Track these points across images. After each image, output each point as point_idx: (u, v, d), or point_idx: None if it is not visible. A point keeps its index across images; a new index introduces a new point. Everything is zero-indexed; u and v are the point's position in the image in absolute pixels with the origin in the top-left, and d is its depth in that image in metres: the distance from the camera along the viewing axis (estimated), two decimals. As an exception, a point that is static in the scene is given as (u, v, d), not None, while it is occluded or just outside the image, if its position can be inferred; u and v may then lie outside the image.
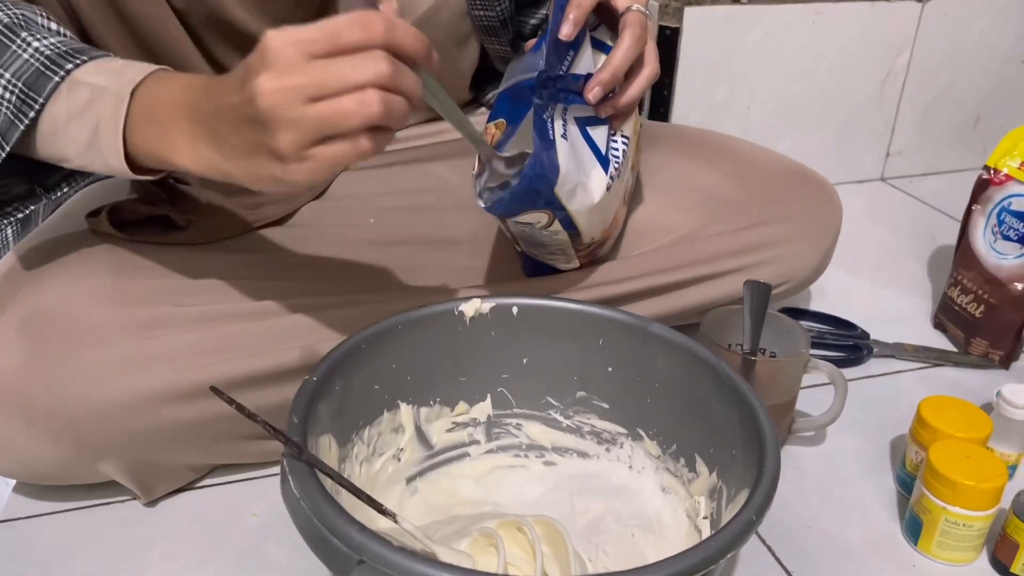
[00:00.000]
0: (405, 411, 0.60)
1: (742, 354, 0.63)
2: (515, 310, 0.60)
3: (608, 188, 0.61)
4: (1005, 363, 0.81)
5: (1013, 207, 0.80)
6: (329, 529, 0.41)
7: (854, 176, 1.23)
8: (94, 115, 0.48)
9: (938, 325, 0.88)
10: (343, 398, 0.53)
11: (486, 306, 0.59)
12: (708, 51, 1.06)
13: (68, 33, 0.52)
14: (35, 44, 0.49)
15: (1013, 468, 0.66)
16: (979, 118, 1.25)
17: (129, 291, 0.58)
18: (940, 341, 0.86)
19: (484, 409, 0.63)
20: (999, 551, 0.58)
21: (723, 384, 0.54)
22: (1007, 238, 0.80)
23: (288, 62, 0.41)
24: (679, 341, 0.57)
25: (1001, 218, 0.81)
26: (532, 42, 0.63)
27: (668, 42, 1.04)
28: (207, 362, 0.57)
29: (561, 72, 0.58)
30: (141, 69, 0.49)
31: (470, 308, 0.59)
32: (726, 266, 0.70)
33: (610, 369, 0.61)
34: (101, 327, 0.55)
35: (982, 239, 0.83)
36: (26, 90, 0.48)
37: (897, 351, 0.82)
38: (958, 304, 0.84)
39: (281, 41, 0.41)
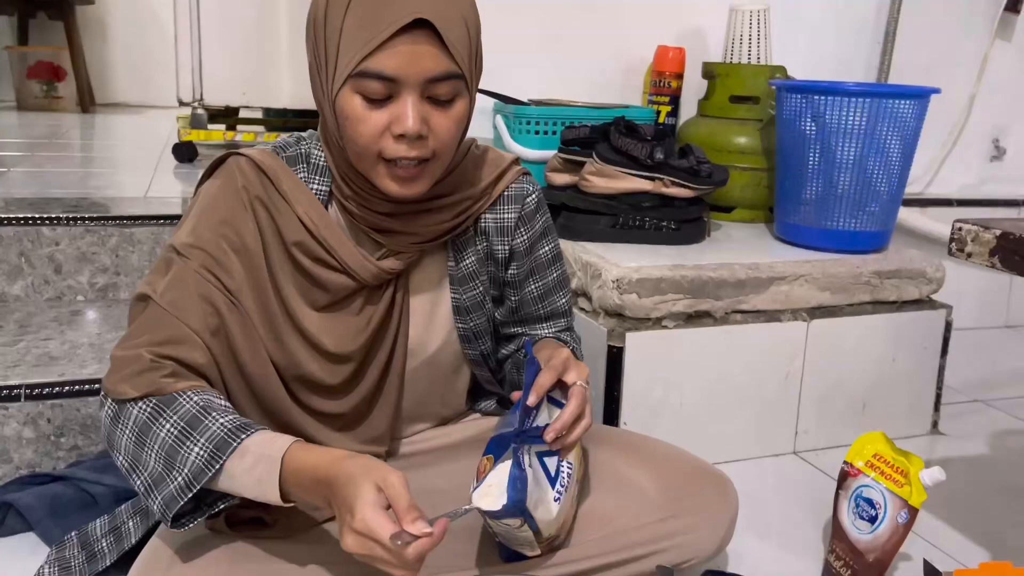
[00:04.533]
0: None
1: (662, 615, 0.90)
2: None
3: (557, 501, 0.91)
4: (871, 616, 1.08)
5: (864, 494, 1.11)
6: None
7: (771, 451, 1.54)
8: (259, 473, 0.79)
9: (823, 584, 1.15)
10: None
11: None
12: (645, 363, 1.40)
13: (231, 408, 0.84)
14: (220, 420, 0.81)
15: None
16: (865, 404, 1.58)
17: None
18: (825, 597, 1.13)
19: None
20: None
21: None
22: (862, 518, 1.10)
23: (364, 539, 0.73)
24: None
25: (857, 502, 1.11)
26: (517, 394, 0.95)
27: (615, 357, 1.39)
28: None
29: (527, 426, 0.90)
30: (284, 442, 0.80)
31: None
32: (647, 550, 0.97)
33: (570, 628, 0.87)
34: None
35: (846, 518, 1.12)
36: (215, 451, 0.79)
37: (791, 606, 1.09)
38: (834, 568, 1.12)
39: (363, 527, 0.73)
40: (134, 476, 0.83)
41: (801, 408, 1.54)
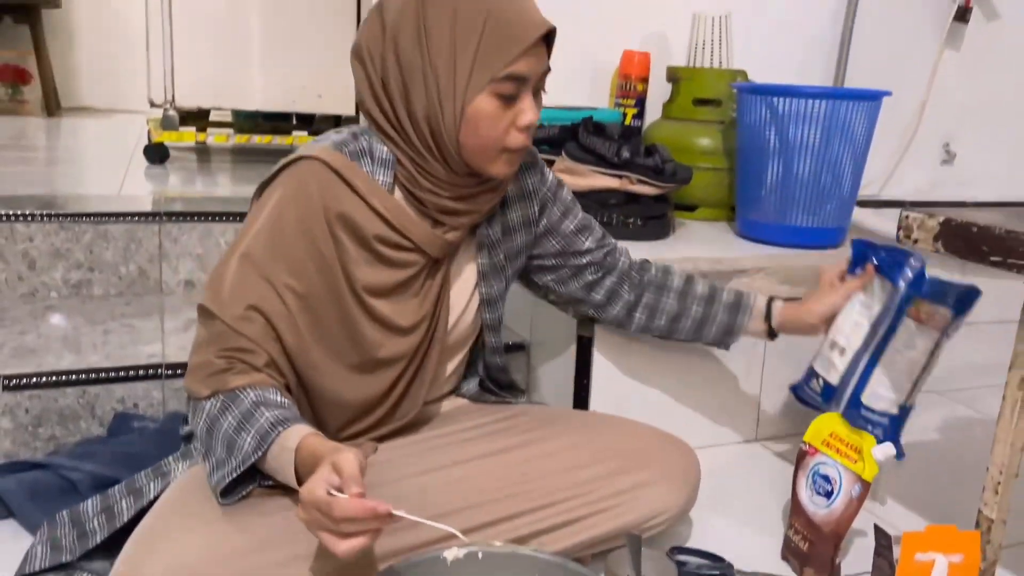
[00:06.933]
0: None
1: (631, 582, 0.95)
2: (480, 555, 0.91)
3: None
4: (828, 585, 1.14)
5: (821, 471, 1.16)
6: None
7: (734, 439, 1.60)
8: (282, 461, 0.87)
9: (784, 557, 1.21)
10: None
11: (461, 553, 0.91)
12: (613, 352, 1.45)
13: (286, 402, 0.91)
14: (267, 414, 0.89)
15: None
16: (823, 393, 1.65)
17: (232, 544, 0.87)
18: (785, 569, 1.18)
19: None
20: None
21: (614, 601, 0.85)
22: (819, 494, 1.16)
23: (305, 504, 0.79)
24: (585, 572, 0.89)
25: (815, 479, 1.17)
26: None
27: (584, 346, 1.43)
28: None
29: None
30: (301, 434, 0.86)
31: (451, 554, 0.90)
32: (612, 503, 1.05)
33: (543, 594, 0.91)
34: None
35: (804, 494, 1.18)
36: (260, 440, 0.87)
37: (752, 578, 1.14)
38: (793, 542, 1.17)
39: (309, 497, 0.78)
40: (207, 459, 0.93)
41: (763, 397, 1.60)
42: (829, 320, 1.23)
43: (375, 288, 1.00)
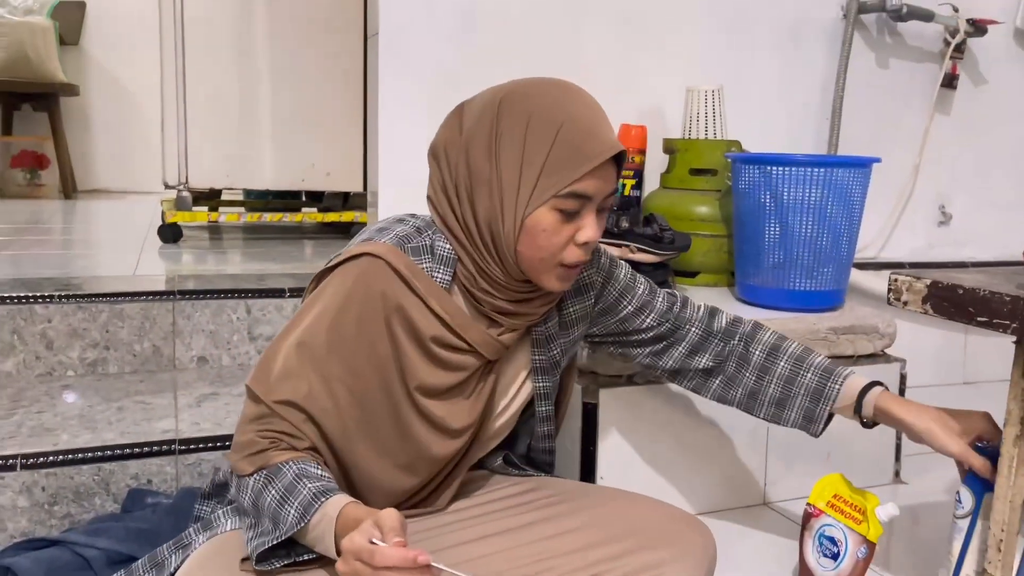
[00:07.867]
0: None
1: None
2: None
3: None
4: (838, 648, 1.13)
5: (826, 533, 1.17)
6: None
7: (742, 502, 1.60)
8: (322, 529, 0.88)
9: (794, 621, 1.21)
10: None
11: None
12: (619, 419, 1.47)
13: (325, 475, 0.92)
14: (309, 486, 0.90)
15: None
16: (830, 454, 1.65)
17: None
18: (795, 634, 1.18)
19: None
20: None
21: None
22: (826, 556, 1.16)
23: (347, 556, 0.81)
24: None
25: (820, 541, 1.18)
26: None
27: (589, 414, 1.46)
28: None
29: None
30: (342, 502, 0.88)
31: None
32: None
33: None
34: None
35: (811, 556, 1.18)
36: (303, 510, 0.88)
37: (763, 643, 1.14)
38: (803, 605, 1.18)
39: (350, 546, 0.80)
40: (253, 529, 0.94)
41: (769, 460, 1.61)
42: (934, 432, 1.13)
43: (430, 389, 1.01)
